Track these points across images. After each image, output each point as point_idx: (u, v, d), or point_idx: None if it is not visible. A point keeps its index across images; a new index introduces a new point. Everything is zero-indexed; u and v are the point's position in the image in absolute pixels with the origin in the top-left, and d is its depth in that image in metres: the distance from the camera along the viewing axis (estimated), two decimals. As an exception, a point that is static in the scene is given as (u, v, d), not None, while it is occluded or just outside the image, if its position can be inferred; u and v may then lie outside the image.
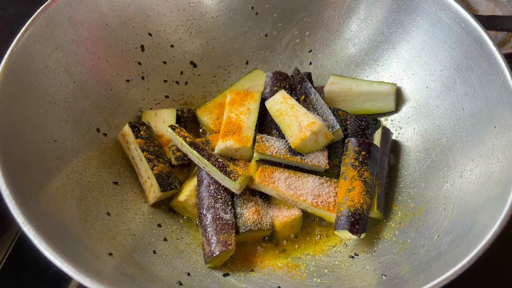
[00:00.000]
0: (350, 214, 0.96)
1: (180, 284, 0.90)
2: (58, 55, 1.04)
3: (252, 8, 1.27)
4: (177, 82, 1.27)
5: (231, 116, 1.11)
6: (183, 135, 1.08)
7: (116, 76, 1.18)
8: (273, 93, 1.15)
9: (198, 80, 1.29)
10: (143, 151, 1.08)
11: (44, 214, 0.83)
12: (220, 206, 1.01)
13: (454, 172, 0.98)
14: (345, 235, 0.97)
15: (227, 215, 1.00)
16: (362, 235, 0.96)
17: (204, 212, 1.01)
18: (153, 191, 1.06)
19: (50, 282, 1.08)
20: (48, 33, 1.02)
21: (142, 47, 1.21)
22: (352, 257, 1.00)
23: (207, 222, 0.99)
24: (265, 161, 1.05)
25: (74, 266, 0.74)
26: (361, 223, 0.96)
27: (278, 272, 0.99)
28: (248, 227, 1.00)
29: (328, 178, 1.05)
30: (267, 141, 1.06)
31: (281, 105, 1.08)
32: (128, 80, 1.20)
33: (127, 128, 1.11)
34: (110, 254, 0.89)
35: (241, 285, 0.95)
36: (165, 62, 1.25)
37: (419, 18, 1.11)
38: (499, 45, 1.43)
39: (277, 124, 1.10)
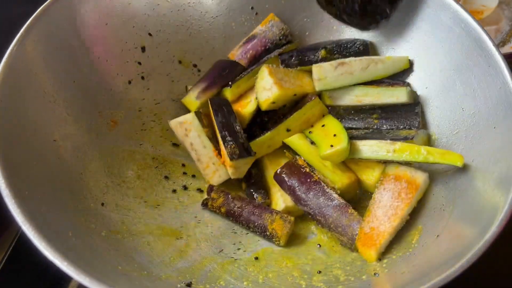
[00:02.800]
0: None
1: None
2: (58, 55, 1.04)
3: (252, 8, 1.27)
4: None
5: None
6: (217, 206, 1.08)
7: (116, 76, 1.18)
8: None
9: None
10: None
11: (44, 213, 0.83)
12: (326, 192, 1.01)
13: (454, 171, 0.98)
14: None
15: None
16: None
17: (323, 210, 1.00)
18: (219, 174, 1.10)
19: (50, 282, 1.08)
20: (48, 33, 1.02)
21: (143, 47, 1.21)
22: (352, 257, 1.00)
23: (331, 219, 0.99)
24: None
25: (74, 266, 0.74)
26: None
27: (278, 272, 0.99)
28: None
29: None
30: None
31: None
32: (128, 81, 1.20)
33: (191, 117, 1.11)
34: (110, 254, 0.89)
35: (241, 284, 0.95)
36: (165, 62, 1.25)
37: (418, 18, 1.11)
38: (499, 45, 1.42)
39: None
